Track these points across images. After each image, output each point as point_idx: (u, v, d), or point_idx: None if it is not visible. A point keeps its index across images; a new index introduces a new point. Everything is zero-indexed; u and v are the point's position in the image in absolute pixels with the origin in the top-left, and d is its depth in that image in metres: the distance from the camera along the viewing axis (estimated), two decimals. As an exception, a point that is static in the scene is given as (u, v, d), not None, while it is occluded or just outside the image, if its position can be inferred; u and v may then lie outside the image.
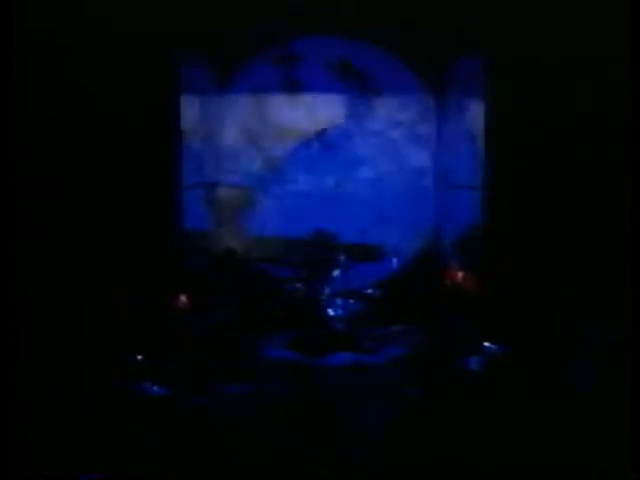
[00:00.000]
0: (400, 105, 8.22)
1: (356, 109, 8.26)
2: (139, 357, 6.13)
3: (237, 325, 7.01)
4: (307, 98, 8.25)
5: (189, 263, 7.57)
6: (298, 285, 7.39)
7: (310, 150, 8.34)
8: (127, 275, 6.74)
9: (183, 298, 6.85)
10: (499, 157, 7.08)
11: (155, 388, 5.81)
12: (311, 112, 8.27)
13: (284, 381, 6.25)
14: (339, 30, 7.84)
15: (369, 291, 7.42)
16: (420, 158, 8.35)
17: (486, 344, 6.39)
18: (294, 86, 8.23)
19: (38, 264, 6.41)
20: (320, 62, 8.09)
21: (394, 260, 7.90)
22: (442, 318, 6.99)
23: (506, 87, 6.93)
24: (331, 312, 7.23)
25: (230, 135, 8.32)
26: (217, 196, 8.27)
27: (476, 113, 7.55)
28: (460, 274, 7.19)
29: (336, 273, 7.38)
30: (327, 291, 7.31)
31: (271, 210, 8.37)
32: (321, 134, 8.31)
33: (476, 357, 6.32)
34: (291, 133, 8.34)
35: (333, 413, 5.60)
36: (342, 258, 7.48)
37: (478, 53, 7.33)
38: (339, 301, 7.25)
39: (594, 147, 6.69)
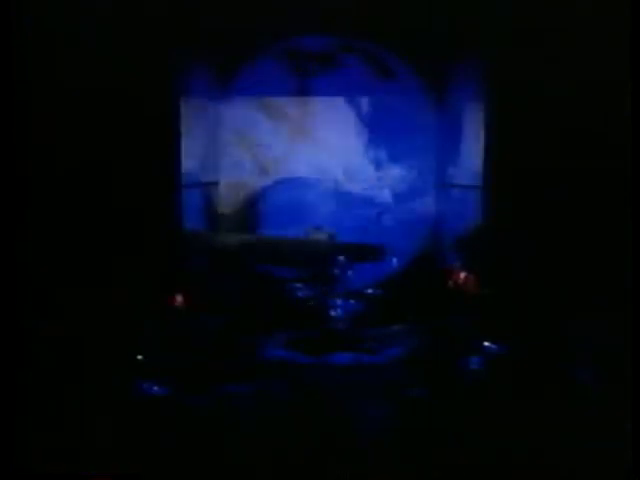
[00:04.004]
0: (400, 105, 8.22)
1: (356, 109, 8.27)
2: (139, 357, 6.13)
3: (237, 325, 7.01)
4: (307, 96, 8.26)
5: (189, 263, 7.56)
6: (298, 285, 7.39)
7: (310, 150, 8.35)
8: (127, 275, 6.74)
9: (183, 298, 6.85)
10: (499, 157, 7.07)
11: (155, 388, 5.80)
12: (311, 111, 8.28)
13: (284, 381, 6.25)
14: (339, 30, 7.85)
15: (369, 291, 7.42)
16: (420, 158, 8.35)
17: (486, 344, 6.38)
18: (294, 85, 8.24)
19: (38, 264, 6.41)
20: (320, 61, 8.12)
21: (394, 260, 7.91)
22: (442, 318, 6.98)
23: (506, 87, 6.92)
24: (331, 312, 7.22)
25: (230, 134, 8.32)
26: (217, 196, 8.28)
27: (476, 113, 7.55)
28: (460, 274, 7.18)
29: (336, 273, 7.38)
30: (327, 291, 7.30)
31: (271, 210, 8.38)
32: (321, 134, 8.32)
33: (476, 357, 6.31)
34: (291, 132, 8.35)
35: (333, 413, 5.60)
36: (342, 258, 7.48)
37: (478, 54, 7.33)
38: (339, 301, 7.25)
39: (594, 147, 6.69)
